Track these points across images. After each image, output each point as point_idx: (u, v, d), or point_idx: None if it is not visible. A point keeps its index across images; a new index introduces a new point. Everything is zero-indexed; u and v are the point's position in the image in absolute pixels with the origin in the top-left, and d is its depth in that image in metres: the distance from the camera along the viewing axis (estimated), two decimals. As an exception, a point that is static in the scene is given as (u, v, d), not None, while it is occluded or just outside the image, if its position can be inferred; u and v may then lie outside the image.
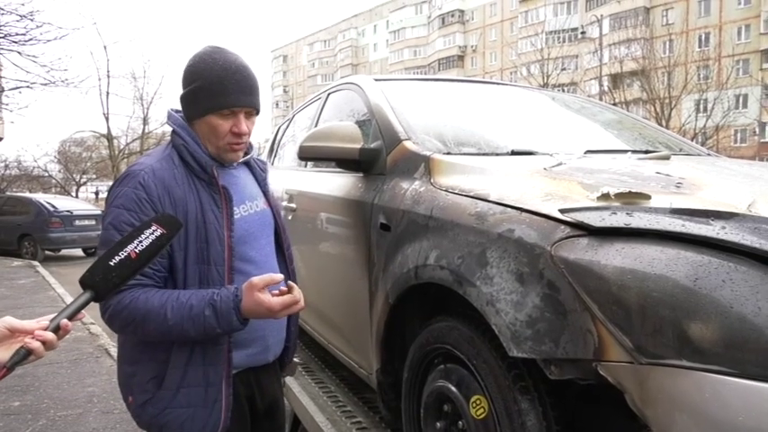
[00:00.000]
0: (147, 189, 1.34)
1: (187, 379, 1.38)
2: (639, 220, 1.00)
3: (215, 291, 1.32)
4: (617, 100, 23.91)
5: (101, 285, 1.04)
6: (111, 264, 1.05)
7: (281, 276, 1.34)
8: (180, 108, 1.48)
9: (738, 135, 33.34)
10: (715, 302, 0.84)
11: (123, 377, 1.45)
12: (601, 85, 27.00)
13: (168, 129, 1.50)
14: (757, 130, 33.00)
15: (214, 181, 1.43)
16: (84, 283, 1.04)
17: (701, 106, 23.45)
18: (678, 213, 1.01)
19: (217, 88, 1.38)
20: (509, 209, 1.21)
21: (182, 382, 1.38)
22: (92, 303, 1.06)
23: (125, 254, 1.06)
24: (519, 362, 1.14)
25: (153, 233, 1.09)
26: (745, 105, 30.72)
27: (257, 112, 1.48)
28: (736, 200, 1.09)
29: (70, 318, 1.00)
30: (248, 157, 1.54)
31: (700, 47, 32.84)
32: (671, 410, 0.86)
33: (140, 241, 1.07)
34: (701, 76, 24.45)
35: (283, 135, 3.70)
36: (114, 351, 4.14)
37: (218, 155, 1.45)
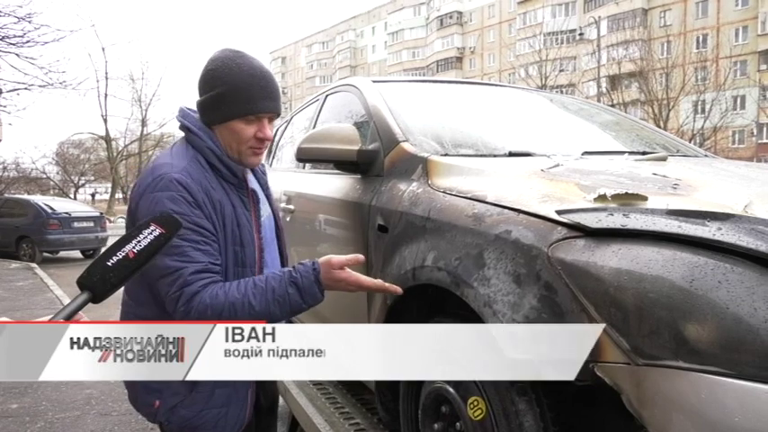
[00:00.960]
0: (191, 192, 1.31)
1: None
2: (636, 222, 1.00)
3: (289, 269, 1.33)
4: (615, 101, 24.00)
5: (98, 286, 1.03)
6: (109, 264, 1.04)
7: (362, 257, 1.36)
8: (192, 108, 1.46)
9: (736, 136, 33.43)
10: (711, 303, 0.85)
11: (147, 381, 1.38)
12: (599, 87, 27.09)
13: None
14: (755, 131, 33.11)
15: (245, 185, 1.44)
16: (82, 283, 1.03)
17: (699, 107, 23.55)
18: (675, 214, 1.01)
19: (244, 94, 1.37)
20: (506, 210, 1.21)
21: (216, 381, 1.37)
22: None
23: (123, 254, 1.05)
24: (516, 363, 1.14)
25: (152, 233, 1.08)
26: (742, 106, 30.85)
27: (278, 116, 1.49)
28: (732, 201, 1.09)
29: (68, 318, 0.99)
30: None
31: (697, 48, 33.05)
32: (668, 411, 0.86)
33: (139, 241, 1.07)
34: (699, 77, 24.57)
35: (281, 137, 3.70)
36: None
37: (240, 159, 1.43)
